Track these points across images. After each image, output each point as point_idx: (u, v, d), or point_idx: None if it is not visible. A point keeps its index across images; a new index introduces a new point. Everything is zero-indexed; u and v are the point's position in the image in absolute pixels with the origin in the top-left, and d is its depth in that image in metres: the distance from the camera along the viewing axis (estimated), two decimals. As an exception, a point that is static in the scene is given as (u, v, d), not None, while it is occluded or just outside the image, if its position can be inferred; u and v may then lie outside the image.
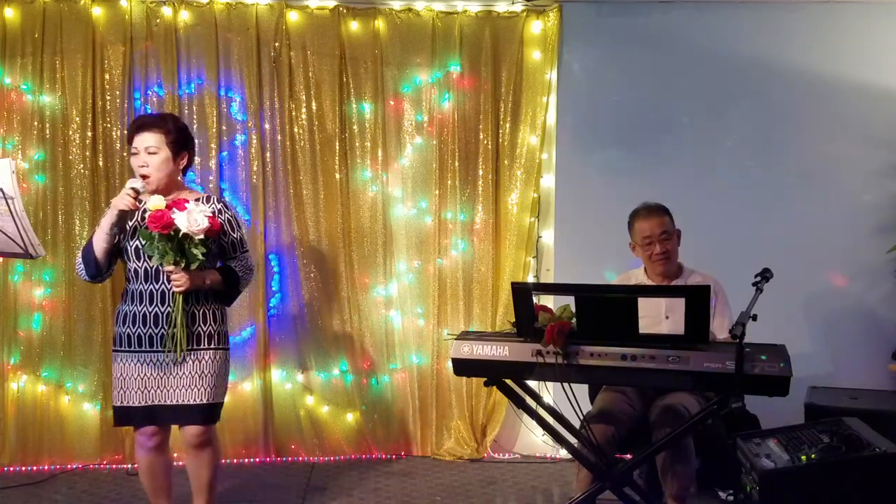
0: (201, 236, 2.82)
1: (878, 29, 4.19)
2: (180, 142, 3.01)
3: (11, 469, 4.07)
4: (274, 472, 4.12)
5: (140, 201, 2.91)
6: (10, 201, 2.64)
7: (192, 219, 2.79)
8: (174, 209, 2.80)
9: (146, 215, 2.84)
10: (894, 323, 4.21)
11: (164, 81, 4.10)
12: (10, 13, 4.05)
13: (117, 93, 4.09)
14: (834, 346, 4.25)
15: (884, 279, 4.21)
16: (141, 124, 2.98)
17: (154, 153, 2.93)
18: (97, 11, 4.08)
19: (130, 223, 2.95)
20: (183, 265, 2.84)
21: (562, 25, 4.22)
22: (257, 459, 4.23)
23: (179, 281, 2.87)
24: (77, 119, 4.07)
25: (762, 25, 4.20)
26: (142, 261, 2.94)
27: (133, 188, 2.88)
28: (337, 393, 4.30)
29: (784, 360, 2.55)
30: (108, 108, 4.09)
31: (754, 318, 2.63)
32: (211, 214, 2.87)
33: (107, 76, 4.09)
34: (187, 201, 2.87)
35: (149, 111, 4.10)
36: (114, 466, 4.14)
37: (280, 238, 4.22)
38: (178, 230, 2.78)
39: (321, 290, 4.25)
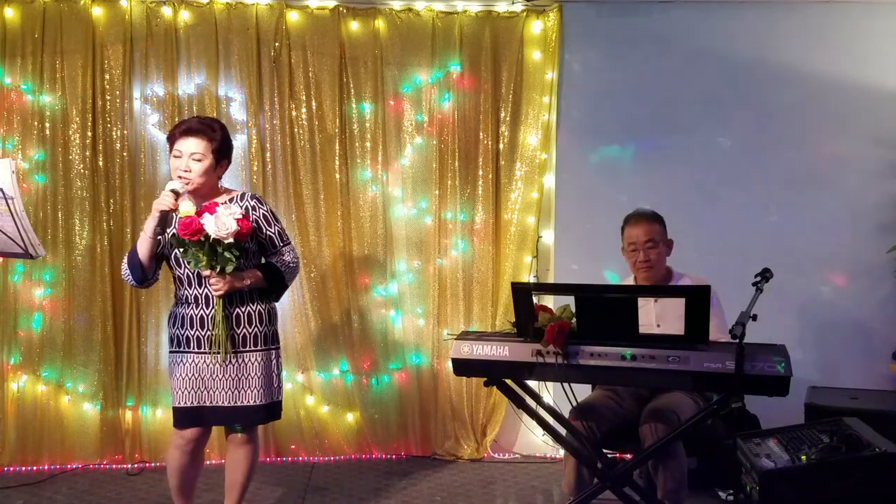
0: (231, 240, 2.80)
1: (878, 29, 4.19)
2: (223, 150, 3.00)
3: (11, 469, 4.07)
4: (274, 472, 4.12)
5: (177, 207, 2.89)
6: (10, 201, 2.64)
7: (220, 223, 2.77)
8: (205, 213, 2.79)
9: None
10: (894, 323, 4.21)
11: (164, 81, 4.10)
12: (10, 13, 4.05)
13: (117, 93, 4.09)
14: (834, 346, 4.25)
15: (884, 279, 4.21)
16: (188, 129, 2.94)
17: (199, 160, 2.91)
18: (97, 11, 4.08)
19: (170, 229, 2.93)
20: (218, 269, 2.83)
21: (562, 25, 4.22)
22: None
23: (217, 285, 2.86)
24: (77, 119, 4.07)
25: (762, 25, 4.20)
26: (183, 267, 2.94)
27: (173, 190, 2.86)
28: (337, 393, 4.30)
29: (784, 360, 2.55)
30: (108, 108, 4.09)
31: (754, 318, 2.63)
32: (240, 217, 2.83)
33: (107, 76, 4.09)
34: (217, 205, 2.86)
35: (148, 111, 4.11)
36: (114, 466, 4.14)
37: (280, 238, 4.22)
38: (207, 235, 2.77)
39: (321, 290, 4.25)
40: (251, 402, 2.97)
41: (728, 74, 4.23)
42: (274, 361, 3.05)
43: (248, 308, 2.99)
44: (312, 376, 4.30)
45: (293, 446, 4.29)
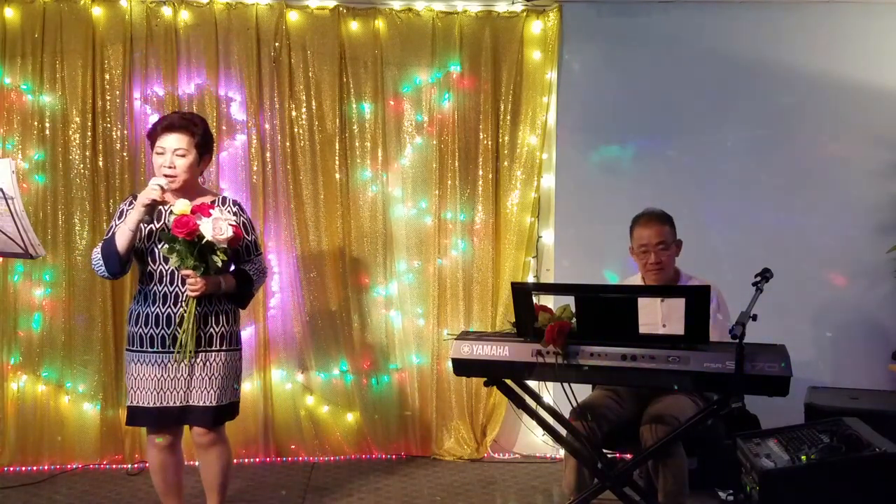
0: (224, 245, 2.82)
1: (878, 29, 4.19)
2: (206, 145, 3.01)
3: (11, 469, 4.07)
4: (274, 472, 4.12)
5: (164, 200, 2.90)
6: (10, 201, 2.64)
7: (217, 226, 2.79)
8: (199, 215, 2.79)
9: (170, 217, 2.84)
10: (894, 323, 4.21)
11: (164, 81, 4.10)
12: (10, 13, 4.05)
13: (117, 93, 4.09)
14: (834, 346, 4.25)
15: (884, 279, 4.21)
16: (170, 125, 2.94)
17: (182, 156, 2.92)
18: (97, 11, 4.08)
19: (157, 225, 2.93)
20: (202, 270, 2.83)
21: (562, 25, 4.22)
22: (257, 459, 4.23)
23: (196, 285, 2.86)
24: (77, 119, 4.07)
25: (763, 25, 4.20)
26: (158, 263, 2.93)
27: (159, 185, 2.86)
28: (337, 393, 4.30)
29: (784, 360, 2.55)
30: (108, 108, 4.09)
31: (754, 318, 2.63)
32: (235, 223, 2.86)
33: (107, 76, 4.09)
34: (212, 207, 2.86)
35: (148, 111, 4.11)
36: (114, 466, 4.14)
37: (280, 238, 4.22)
38: (201, 237, 2.77)
39: (321, 290, 4.25)
40: (217, 402, 2.97)
41: (728, 74, 4.23)
42: (237, 362, 3.06)
43: (216, 308, 2.99)
44: (312, 376, 4.30)
45: (293, 446, 4.28)
